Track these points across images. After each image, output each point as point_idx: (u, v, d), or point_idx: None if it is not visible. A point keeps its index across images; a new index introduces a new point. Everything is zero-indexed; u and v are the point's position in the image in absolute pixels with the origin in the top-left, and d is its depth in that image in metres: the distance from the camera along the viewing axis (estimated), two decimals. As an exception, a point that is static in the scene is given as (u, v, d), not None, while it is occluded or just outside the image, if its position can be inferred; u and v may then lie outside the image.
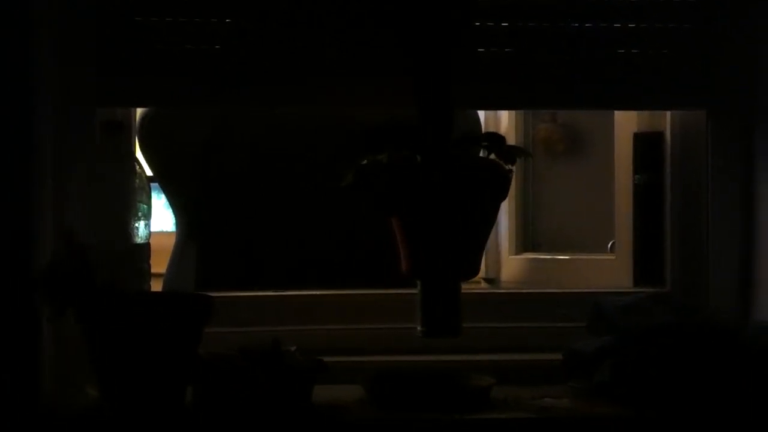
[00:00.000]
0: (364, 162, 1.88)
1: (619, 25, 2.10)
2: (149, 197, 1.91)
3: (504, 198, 1.92)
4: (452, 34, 1.95)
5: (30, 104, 1.82)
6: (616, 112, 2.46)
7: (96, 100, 2.00)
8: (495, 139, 1.94)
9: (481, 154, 1.93)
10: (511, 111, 3.04)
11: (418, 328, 1.91)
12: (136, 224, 1.89)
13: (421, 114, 1.91)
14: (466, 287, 1.96)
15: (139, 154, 2.27)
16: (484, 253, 1.99)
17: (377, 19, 2.03)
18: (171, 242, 2.53)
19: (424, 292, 1.90)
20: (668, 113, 2.21)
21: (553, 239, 3.01)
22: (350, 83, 2.06)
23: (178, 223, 2.55)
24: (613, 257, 2.57)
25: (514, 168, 1.91)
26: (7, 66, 1.80)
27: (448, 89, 1.92)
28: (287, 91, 2.06)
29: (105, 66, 2.00)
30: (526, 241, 3.07)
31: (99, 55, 2.00)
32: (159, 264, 2.05)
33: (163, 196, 2.54)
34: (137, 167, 1.92)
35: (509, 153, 1.91)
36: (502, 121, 3.10)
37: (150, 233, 1.92)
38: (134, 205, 1.89)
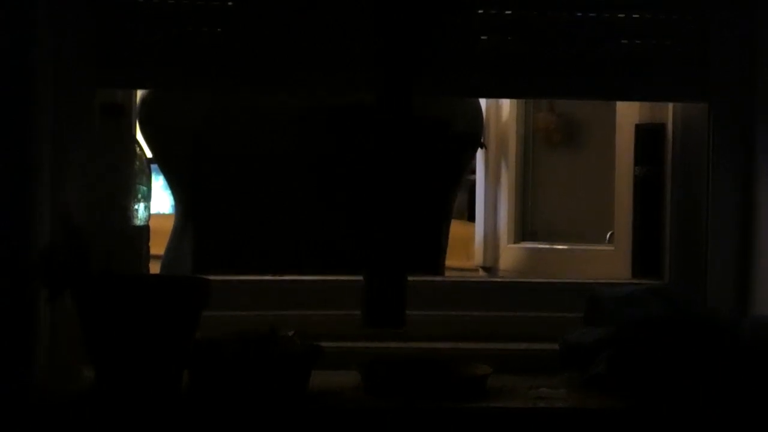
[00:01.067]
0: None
1: (622, 15, 2.10)
2: (149, 180, 1.91)
3: (454, 190, 1.91)
4: (417, 22, 1.94)
5: (29, 86, 1.82)
6: (618, 103, 2.46)
7: (95, 82, 2.00)
8: (441, 125, 1.92)
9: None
10: (512, 100, 3.03)
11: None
12: (136, 206, 1.89)
13: (377, 98, 1.89)
14: (463, 276, 1.96)
15: (139, 136, 2.27)
16: (481, 244, 1.99)
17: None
18: (169, 224, 2.53)
19: (366, 281, 1.89)
20: (670, 105, 2.21)
21: (551, 229, 3.01)
22: (347, 69, 2.06)
23: (176, 206, 2.54)
24: (612, 248, 2.57)
25: (484, 143, 1.89)
26: (5, 47, 1.79)
27: (408, 75, 1.90)
28: (287, 74, 2.06)
29: (104, 48, 2.00)
30: (524, 231, 3.06)
31: (98, 37, 1.99)
32: (157, 246, 2.04)
33: (161, 178, 2.54)
34: (137, 149, 1.91)
35: (459, 141, 1.89)
36: (504, 111, 3.10)
37: (149, 215, 1.92)
38: (134, 188, 1.89)
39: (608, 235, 2.65)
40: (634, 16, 2.10)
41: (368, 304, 1.88)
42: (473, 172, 3.23)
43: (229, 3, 2.05)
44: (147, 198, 1.91)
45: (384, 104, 1.88)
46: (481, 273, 3.10)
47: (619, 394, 1.83)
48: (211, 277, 1.82)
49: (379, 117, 1.86)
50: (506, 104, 3.09)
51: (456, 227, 2.67)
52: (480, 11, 2.08)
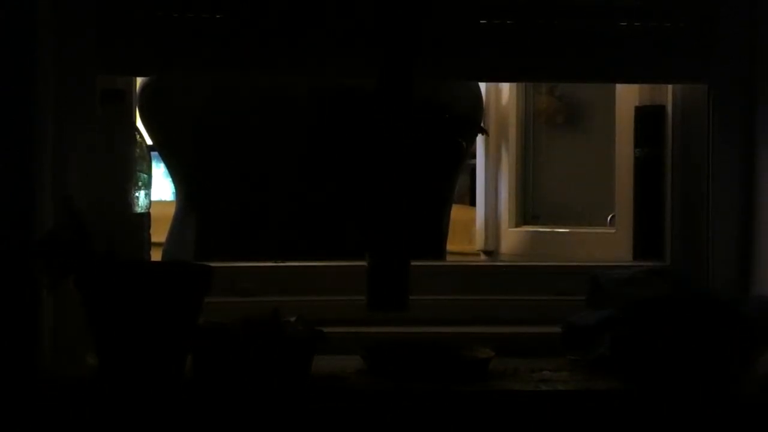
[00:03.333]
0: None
1: (621, -3, 2.10)
2: (150, 167, 1.91)
3: (456, 173, 1.91)
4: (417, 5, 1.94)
5: (30, 72, 1.82)
6: (617, 85, 2.46)
7: (96, 68, 2.00)
8: (441, 108, 1.92)
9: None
10: (512, 84, 3.03)
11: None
12: (137, 193, 1.89)
13: (378, 81, 1.89)
14: (465, 259, 1.96)
15: (139, 124, 2.27)
16: (483, 228, 1.99)
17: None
18: (170, 211, 2.53)
19: (369, 265, 1.89)
20: (670, 87, 2.21)
21: (552, 212, 3.01)
22: (349, 52, 2.06)
23: (177, 193, 2.55)
24: (613, 230, 2.58)
25: (485, 129, 1.89)
26: (7, 33, 1.79)
27: (407, 56, 1.90)
28: (287, 59, 2.06)
29: (105, 34, 2.00)
30: (525, 214, 3.07)
31: (99, 23, 1.99)
32: (158, 233, 2.05)
33: (162, 165, 2.54)
34: (138, 136, 1.91)
35: (459, 125, 1.89)
36: (503, 94, 3.10)
37: (150, 203, 1.92)
38: (135, 175, 1.89)
39: (609, 218, 2.65)
40: (633, -3, 2.10)
41: (372, 288, 1.89)
42: (474, 156, 3.23)
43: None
44: (148, 185, 1.91)
45: (384, 88, 1.88)
46: (483, 257, 3.10)
47: (622, 376, 1.83)
48: (213, 264, 1.83)
49: (379, 100, 1.87)
50: (506, 87, 3.09)
51: (457, 211, 2.67)
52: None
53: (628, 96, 2.41)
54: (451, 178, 1.89)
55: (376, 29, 1.96)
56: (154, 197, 1.94)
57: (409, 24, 1.92)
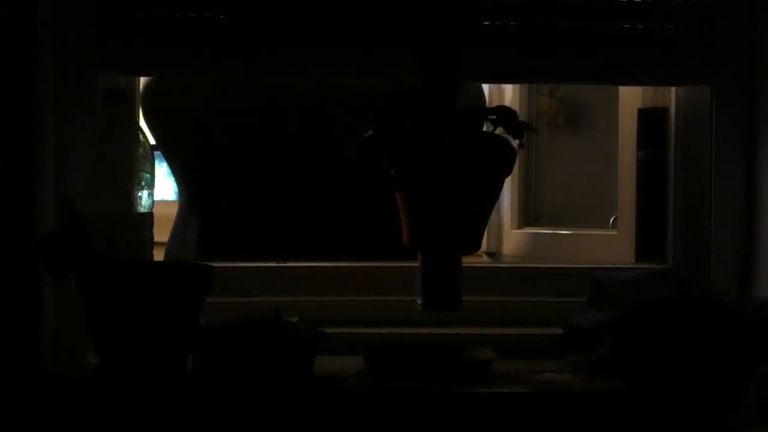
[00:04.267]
0: (369, 134, 1.88)
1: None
2: (153, 166, 1.91)
3: (508, 173, 1.92)
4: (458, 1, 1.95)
5: (32, 71, 1.82)
6: (620, 87, 2.46)
7: (96, 67, 2.00)
8: (504, 113, 1.93)
9: (487, 128, 1.92)
10: (514, 85, 3.03)
11: (419, 301, 1.91)
12: (140, 193, 1.89)
13: (425, 84, 1.90)
14: (467, 261, 1.96)
15: (142, 123, 2.27)
16: (486, 228, 1.99)
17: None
18: (172, 211, 2.53)
19: (424, 265, 1.90)
20: (673, 89, 2.21)
21: (555, 214, 3.01)
22: (354, 52, 2.06)
23: (180, 193, 2.55)
24: (616, 233, 2.57)
25: (524, 143, 1.90)
26: (7, 32, 1.79)
27: (454, 59, 1.91)
28: (289, 59, 2.06)
29: (107, 33, 2.00)
30: (528, 216, 3.06)
31: (101, 22, 1.99)
32: (161, 233, 2.05)
33: (164, 165, 2.54)
34: (141, 136, 1.91)
35: (517, 128, 1.90)
36: (506, 95, 3.10)
37: (153, 202, 1.92)
38: (138, 174, 1.89)
39: (612, 220, 2.65)
40: (636, 0, 2.10)
41: (426, 289, 1.89)
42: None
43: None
44: (151, 185, 1.91)
45: (432, 92, 1.89)
46: (485, 258, 3.10)
47: (624, 377, 1.83)
48: (215, 264, 1.83)
49: (426, 102, 1.88)
50: (508, 89, 3.09)
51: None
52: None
53: (631, 98, 2.41)
54: (500, 179, 1.90)
55: (389, 26, 1.96)
56: (156, 197, 1.94)
57: (451, 19, 1.92)
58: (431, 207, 1.87)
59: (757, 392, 1.62)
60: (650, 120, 2.29)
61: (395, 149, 1.87)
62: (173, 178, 2.56)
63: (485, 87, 2.73)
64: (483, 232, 1.94)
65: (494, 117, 1.92)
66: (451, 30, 1.93)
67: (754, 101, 2.09)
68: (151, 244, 1.93)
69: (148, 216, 1.91)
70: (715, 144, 2.11)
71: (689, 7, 2.10)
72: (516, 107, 3.05)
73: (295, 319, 1.83)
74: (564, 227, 2.91)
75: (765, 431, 1.71)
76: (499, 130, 1.90)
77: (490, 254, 3.12)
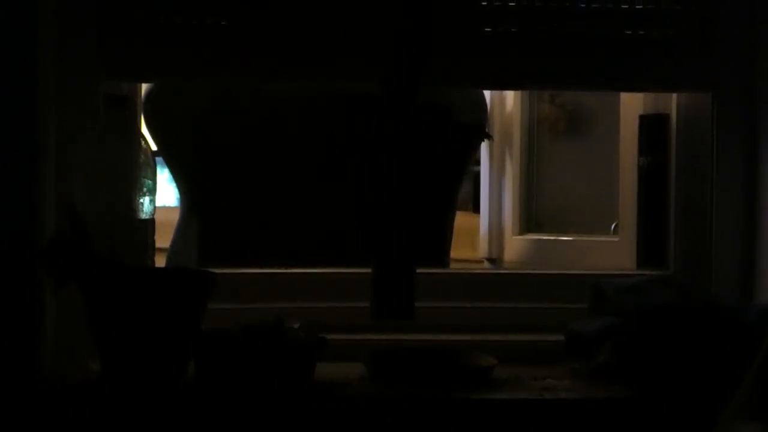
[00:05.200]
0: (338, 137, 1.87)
1: (626, 5, 2.10)
2: (154, 173, 1.91)
3: (459, 180, 1.91)
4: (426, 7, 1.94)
5: (33, 76, 1.82)
6: (621, 93, 2.46)
7: (98, 73, 2.00)
8: (444, 112, 1.92)
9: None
10: (516, 92, 3.03)
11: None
12: (141, 200, 1.89)
13: (385, 86, 1.90)
14: (468, 267, 1.96)
15: (144, 129, 2.27)
16: (486, 236, 1.99)
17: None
18: (174, 217, 2.53)
19: (374, 272, 1.89)
20: (674, 95, 2.21)
21: (556, 220, 3.01)
22: (356, 57, 2.06)
23: (181, 198, 2.55)
24: (617, 239, 2.57)
25: (491, 135, 1.89)
26: (9, 38, 1.79)
27: (417, 64, 1.90)
28: (291, 64, 2.06)
29: (108, 39, 2.00)
30: (529, 222, 3.06)
31: (102, 28, 1.99)
32: (162, 239, 2.05)
33: (166, 171, 2.54)
34: (142, 142, 1.91)
35: (463, 130, 1.89)
36: (508, 102, 3.10)
37: (155, 208, 1.92)
38: (139, 181, 1.89)
39: (613, 226, 2.65)
40: (637, 6, 2.10)
41: (377, 296, 1.88)
42: (478, 163, 3.23)
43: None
44: (152, 191, 1.91)
45: (391, 93, 1.88)
46: (486, 264, 3.09)
47: (625, 383, 1.83)
48: (217, 270, 1.83)
49: (385, 105, 1.87)
50: (510, 95, 3.09)
51: (461, 218, 2.67)
52: (483, 2, 2.08)
53: (632, 104, 2.41)
54: (455, 185, 1.88)
55: (384, 32, 1.96)
56: (158, 203, 1.95)
57: (420, 26, 1.92)
58: (380, 212, 1.85)
59: (747, 391, 1.61)
60: (651, 126, 2.29)
61: (358, 151, 1.86)
62: (174, 184, 2.56)
63: (486, 94, 2.73)
64: (445, 243, 1.93)
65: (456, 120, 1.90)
66: (417, 31, 1.92)
67: (755, 107, 2.09)
68: (153, 249, 1.94)
69: (150, 222, 1.91)
70: (716, 150, 2.11)
71: (690, 14, 2.10)
72: (517, 114, 3.06)
73: (296, 325, 1.83)
74: (565, 233, 2.90)
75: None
76: None
77: (491, 260, 3.12)
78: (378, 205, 1.84)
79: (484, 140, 1.89)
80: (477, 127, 2.27)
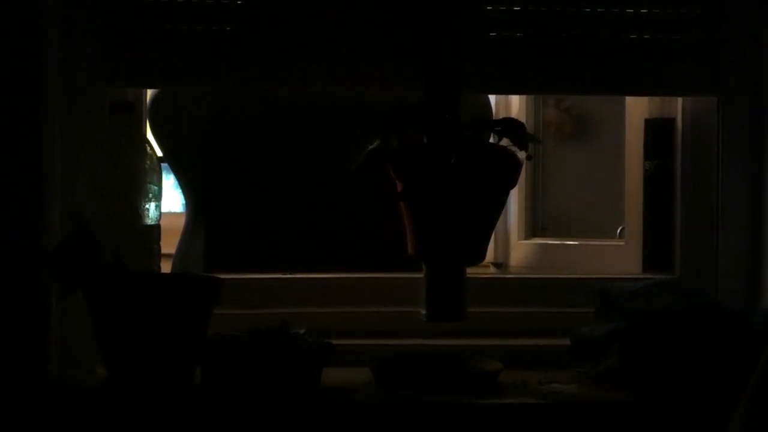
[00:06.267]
0: (375, 145, 1.88)
1: (631, 10, 2.10)
2: (160, 178, 1.91)
3: (513, 185, 1.92)
4: (460, 12, 1.95)
5: (38, 83, 1.83)
6: (627, 98, 2.46)
7: (103, 80, 2.00)
8: (510, 125, 1.93)
9: (493, 140, 1.93)
10: (521, 96, 3.03)
11: (423, 312, 1.91)
12: (147, 205, 1.89)
13: (428, 95, 1.91)
14: (474, 272, 1.96)
15: (149, 135, 2.28)
16: (491, 240, 1.99)
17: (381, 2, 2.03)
18: (180, 223, 2.54)
19: (428, 276, 1.90)
20: (679, 100, 2.21)
21: (562, 224, 3.00)
22: (360, 64, 2.06)
23: (187, 204, 2.55)
24: (623, 243, 2.57)
25: (531, 155, 1.91)
26: (14, 45, 1.80)
27: (456, 69, 1.91)
28: (297, 70, 2.06)
29: (113, 45, 2.00)
30: (534, 226, 3.06)
31: (107, 34, 2.00)
32: (168, 245, 2.05)
33: (171, 177, 2.55)
34: (148, 148, 1.92)
35: (523, 139, 1.90)
36: (513, 106, 3.10)
37: (160, 214, 1.92)
38: (145, 186, 1.89)
39: (619, 230, 2.65)
40: (642, 10, 2.10)
41: (430, 300, 1.90)
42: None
43: (239, 1, 2.05)
44: (158, 197, 1.91)
45: (436, 103, 1.89)
46: (492, 269, 3.09)
47: (631, 387, 1.83)
48: (223, 276, 1.83)
49: (429, 112, 1.88)
50: (515, 100, 3.09)
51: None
52: (489, 7, 2.08)
53: (637, 108, 2.41)
54: (506, 191, 1.90)
55: (401, 36, 1.97)
56: (164, 209, 1.95)
57: (454, 30, 1.93)
58: (436, 218, 1.87)
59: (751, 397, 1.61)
60: (657, 130, 2.29)
61: (400, 161, 1.87)
62: (180, 190, 2.56)
63: (492, 98, 2.73)
64: (487, 244, 1.94)
65: (500, 128, 1.92)
66: (454, 42, 1.93)
67: (761, 111, 2.09)
68: (159, 255, 1.93)
69: (156, 228, 1.91)
70: (722, 154, 2.11)
71: (695, 18, 2.10)
72: (522, 118, 3.05)
73: (302, 331, 1.83)
74: (571, 238, 2.90)
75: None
76: (504, 142, 1.91)
77: (497, 265, 3.12)
78: (430, 211, 1.86)
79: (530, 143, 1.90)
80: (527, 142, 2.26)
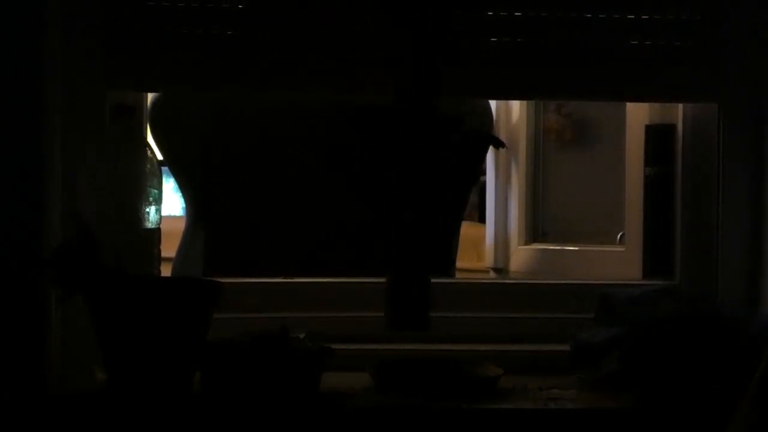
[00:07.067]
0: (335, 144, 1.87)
1: (632, 16, 2.10)
2: (160, 182, 1.91)
3: (469, 190, 1.91)
4: (441, 17, 1.94)
5: (39, 87, 1.82)
6: (628, 104, 2.46)
7: (104, 84, 2.00)
8: (454, 123, 1.91)
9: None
10: (522, 102, 3.04)
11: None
12: (147, 209, 1.89)
13: (395, 96, 1.90)
14: (475, 277, 1.96)
15: (150, 139, 2.27)
16: (491, 245, 1.99)
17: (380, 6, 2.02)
18: (180, 226, 2.54)
19: (389, 283, 1.89)
20: (680, 106, 2.21)
21: (562, 230, 3.01)
22: (361, 68, 2.06)
23: (187, 208, 2.55)
24: (623, 249, 2.57)
25: (505, 144, 1.88)
26: (15, 49, 1.80)
27: (436, 70, 1.90)
28: (297, 75, 2.06)
29: (114, 49, 2.00)
30: (535, 232, 3.06)
31: (108, 38, 2.00)
32: (168, 248, 2.05)
33: (171, 180, 2.55)
34: (148, 152, 1.92)
35: (475, 141, 1.88)
36: (513, 112, 3.10)
37: (161, 218, 1.92)
38: (145, 190, 1.89)
39: (619, 236, 2.65)
40: (643, 16, 2.10)
41: (392, 307, 1.88)
42: (483, 173, 3.23)
43: (240, 6, 2.05)
44: (158, 200, 1.91)
45: (405, 103, 1.88)
46: (492, 274, 3.10)
47: (631, 393, 1.83)
48: (223, 279, 1.83)
49: (400, 116, 1.87)
50: (516, 105, 3.10)
51: (467, 228, 2.67)
52: (489, 12, 2.08)
53: (638, 114, 2.41)
54: (464, 195, 1.88)
55: (397, 42, 1.96)
56: (164, 212, 1.95)
57: (437, 31, 1.92)
58: (394, 224, 1.85)
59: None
60: (657, 136, 2.29)
61: (361, 162, 1.86)
62: (180, 194, 2.56)
63: (493, 104, 2.73)
64: (452, 252, 1.93)
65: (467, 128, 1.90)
66: (433, 42, 1.92)
67: (762, 117, 2.09)
68: (159, 259, 1.93)
69: (156, 231, 1.91)
70: (723, 160, 2.11)
71: (696, 24, 2.10)
72: (523, 123, 3.06)
73: (302, 335, 1.83)
74: (571, 243, 2.90)
75: None
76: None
77: (497, 270, 3.12)
78: (392, 215, 1.84)
79: (498, 148, 1.88)
80: (490, 135, 2.26)
